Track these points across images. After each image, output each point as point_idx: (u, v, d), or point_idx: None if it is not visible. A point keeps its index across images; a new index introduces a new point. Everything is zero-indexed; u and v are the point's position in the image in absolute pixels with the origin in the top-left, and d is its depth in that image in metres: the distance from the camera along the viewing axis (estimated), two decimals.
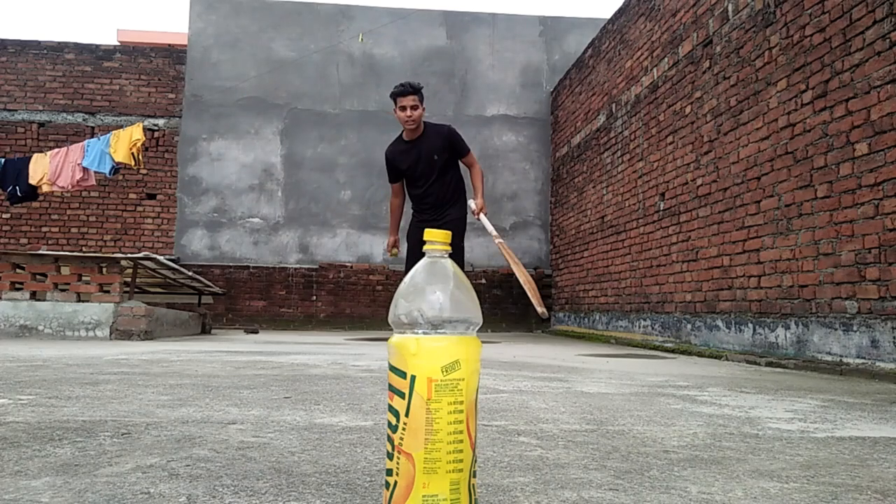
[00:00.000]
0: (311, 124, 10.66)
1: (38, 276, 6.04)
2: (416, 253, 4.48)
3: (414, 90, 4.40)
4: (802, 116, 4.24)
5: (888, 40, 3.53)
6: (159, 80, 10.69)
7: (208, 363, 3.45)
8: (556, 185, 10.31)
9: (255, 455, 1.31)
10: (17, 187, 8.05)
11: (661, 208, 6.37)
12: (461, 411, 0.83)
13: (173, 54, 10.82)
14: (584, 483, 1.16)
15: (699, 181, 5.59)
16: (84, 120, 10.48)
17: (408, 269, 4.42)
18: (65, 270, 6.03)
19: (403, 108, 4.39)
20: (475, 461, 0.87)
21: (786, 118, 4.42)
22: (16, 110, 10.44)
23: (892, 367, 3.34)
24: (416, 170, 4.58)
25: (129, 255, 6.46)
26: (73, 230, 10.35)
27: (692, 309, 5.67)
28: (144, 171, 10.19)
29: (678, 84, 6.08)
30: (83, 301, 5.88)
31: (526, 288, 3.67)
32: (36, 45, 10.59)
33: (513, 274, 11.31)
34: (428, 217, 4.64)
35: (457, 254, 4.45)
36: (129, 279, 6.42)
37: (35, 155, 8.21)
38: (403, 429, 0.83)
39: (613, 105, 7.86)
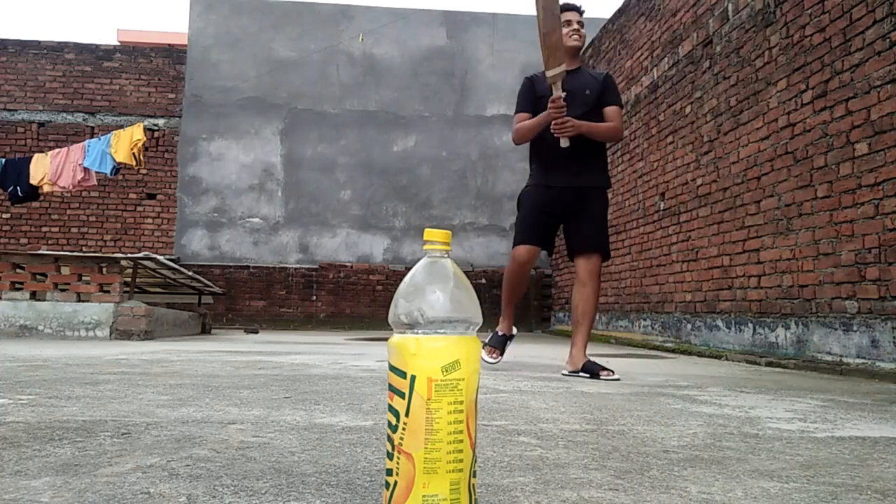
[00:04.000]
0: (310, 124, 10.66)
1: (38, 276, 6.04)
2: (533, 219, 3.42)
3: (579, 10, 3.43)
4: (802, 116, 4.24)
5: (888, 40, 3.53)
6: (159, 80, 10.69)
7: (208, 363, 3.45)
8: None
9: (255, 455, 1.31)
10: (18, 187, 8.06)
11: (661, 208, 6.36)
12: (461, 411, 0.83)
13: (173, 54, 10.82)
14: (585, 483, 1.16)
15: (699, 181, 5.59)
16: (84, 120, 10.48)
17: (518, 235, 3.46)
18: (65, 270, 6.03)
19: (569, 23, 3.35)
20: (475, 461, 0.87)
21: (786, 118, 4.42)
22: (16, 110, 10.44)
23: (892, 367, 3.34)
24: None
25: (129, 255, 6.46)
26: (73, 230, 10.35)
27: (692, 309, 5.67)
28: (144, 171, 10.19)
29: (678, 84, 6.07)
30: (83, 301, 5.88)
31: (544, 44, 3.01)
32: (36, 45, 10.59)
33: None
34: (562, 179, 3.35)
35: (604, 242, 3.36)
36: (129, 279, 6.42)
37: (36, 155, 8.22)
38: (403, 429, 0.82)
39: None
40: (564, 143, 3.21)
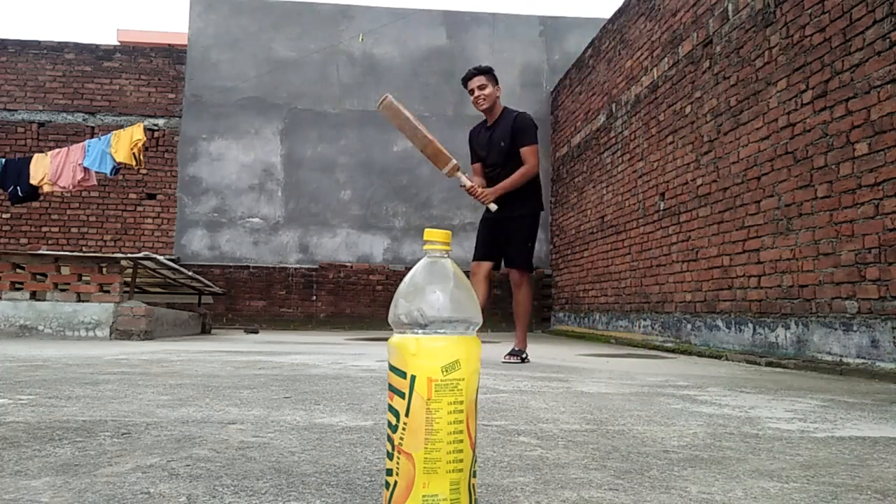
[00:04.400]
0: (311, 124, 10.66)
1: (38, 276, 6.04)
2: (478, 241, 4.30)
3: (477, 72, 4.11)
4: (802, 116, 4.24)
5: (888, 40, 3.53)
6: (159, 80, 10.68)
7: (208, 363, 3.45)
8: (556, 185, 10.31)
9: (255, 455, 1.31)
10: (18, 187, 8.06)
11: (661, 208, 6.37)
12: (461, 411, 0.83)
13: (173, 54, 10.82)
14: (584, 483, 1.16)
15: (699, 181, 5.59)
16: (84, 120, 10.48)
17: (474, 258, 4.31)
18: (65, 270, 6.03)
19: (471, 92, 4.12)
20: (475, 461, 0.87)
21: (786, 118, 4.42)
22: (16, 110, 10.44)
23: (892, 367, 3.34)
24: (488, 156, 4.18)
25: (129, 255, 6.46)
26: (73, 230, 10.35)
27: (692, 309, 5.67)
28: (144, 171, 10.19)
29: (678, 84, 6.08)
30: (83, 301, 5.88)
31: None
32: (36, 45, 10.58)
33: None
34: (493, 212, 4.10)
35: (524, 259, 4.15)
36: (129, 279, 6.42)
37: (36, 155, 8.22)
38: (403, 429, 0.83)
39: (613, 105, 7.86)
40: (493, 206, 3.94)
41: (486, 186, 4.14)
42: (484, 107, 4.12)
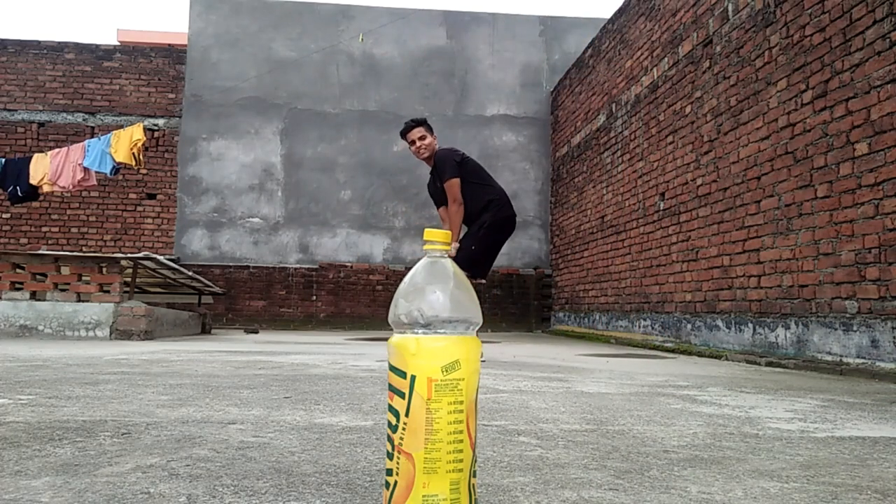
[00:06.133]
0: (311, 124, 10.66)
1: (38, 276, 6.04)
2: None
3: (415, 124, 4.31)
4: (802, 116, 4.24)
5: (888, 40, 3.53)
6: (159, 80, 10.68)
7: (208, 363, 3.45)
8: (556, 185, 10.31)
9: (255, 455, 1.31)
10: (18, 187, 8.05)
11: (661, 208, 6.37)
12: (461, 411, 0.83)
13: (173, 54, 10.82)
14: (584, 483, 1.16)
15: (699, 181, 5.59)
16: (84, 120, 10.48)
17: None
18: (65, 270, 6.03)
19: (412, 143, 4.32)
20: (475, 461, 0.87)
21: (786, 118, 4.42)
22: (16, 110, 10.43)
23: (892, 367, 3.34)
24: (439, 200, 4.46)
25: (129, 255, 6.46)
26: (73, 230, 10.35)
27: (692, 309, 5.67)
28: (145, 171, 10.18)
29: (678, 84, 6.07)
30: (83, 301, 5.88)
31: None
32: (36, 45, 10.58)
33: (513, 274, 11.39)
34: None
35: (458, 259, 4.34)
36: (129, 279, 6.42)
37: (36, 155, 8.21)
38: (403, 429, 0.83)
39: (613, 105, 7.86)
40: (453, 250, 4.12)
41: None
42: (425, 156, 4.30)
